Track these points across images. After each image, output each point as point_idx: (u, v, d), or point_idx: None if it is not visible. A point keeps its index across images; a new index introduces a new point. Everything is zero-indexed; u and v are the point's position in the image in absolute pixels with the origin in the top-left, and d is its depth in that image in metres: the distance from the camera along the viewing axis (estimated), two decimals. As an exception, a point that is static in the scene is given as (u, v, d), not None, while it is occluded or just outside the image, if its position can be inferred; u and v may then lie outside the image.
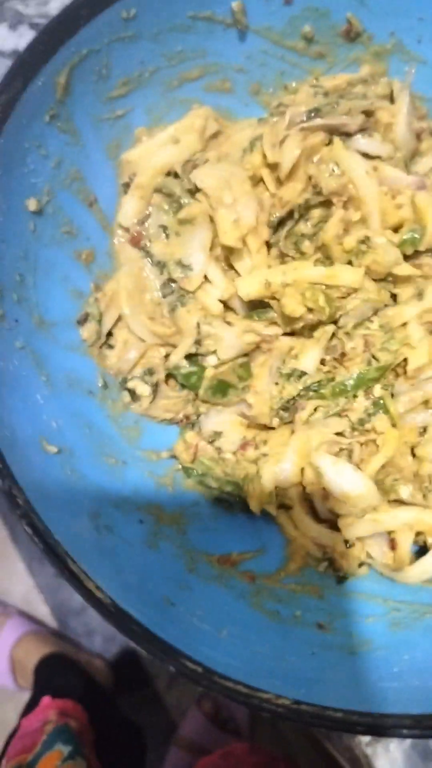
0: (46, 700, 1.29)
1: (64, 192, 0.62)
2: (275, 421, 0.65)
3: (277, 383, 0.64)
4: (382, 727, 0.45)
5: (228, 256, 0.65)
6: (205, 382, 0.64)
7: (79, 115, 0.61)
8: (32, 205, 0.58)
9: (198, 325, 0.63)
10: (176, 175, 0.64)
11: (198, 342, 0.64)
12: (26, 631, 1.76)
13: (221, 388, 0.65)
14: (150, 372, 0.66)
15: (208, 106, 0.67)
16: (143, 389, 0.65)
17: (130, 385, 0.66)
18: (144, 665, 1.87)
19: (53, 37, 0.55)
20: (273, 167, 0.63)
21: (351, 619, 0.59)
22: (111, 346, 0.67)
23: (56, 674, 1.55)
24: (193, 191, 0.63)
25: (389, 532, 0.64)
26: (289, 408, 0.64)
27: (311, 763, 1.29)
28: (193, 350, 0.64)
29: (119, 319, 0.66)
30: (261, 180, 0.65)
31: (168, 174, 0.65)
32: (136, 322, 0.65)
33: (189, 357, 0.65)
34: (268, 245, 0.66)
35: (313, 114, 0.63)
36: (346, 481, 0.60)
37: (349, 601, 0.61)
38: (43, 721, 1.17)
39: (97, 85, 0.61)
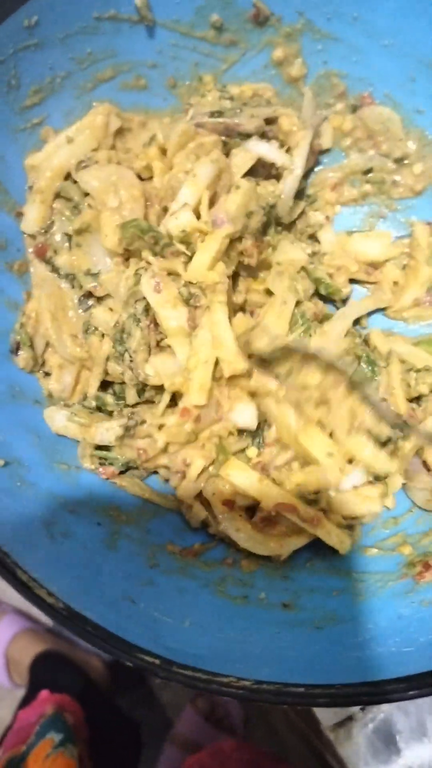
0: (44, 693, 1.29)
1: (-13, 205, 0.62)
2: None
3: None
4: (341, 696, 0.46)
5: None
6: None
7: (-7, 127, 0.61)
8: None
9: (107, 359, 0.63)
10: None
11: (106, 371, 0.64)
12: (22, 628, 1.77)
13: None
14: (86, 397, 0.66)
15: (108, 103, 0.67)
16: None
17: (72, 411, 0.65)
18: (140, 664, 1.87)
19: None
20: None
21: (316, 594, 0.60)
22: (48, 374, 0.66)
23: (52, 672, 1.56)
24: (87, 194, 0.63)
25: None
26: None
27: (302, 761, 1.30)
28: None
29: (48, 343, 0.66)
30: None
31: (67, 178, 0.65)
32: (61, 344, 0.65)
33: (110, 384, 0.67)
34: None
35: (215, 115, 0.64)
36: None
37: (314, 578, 0.62)
38: (39, 715, 1.17)
39: (8, 96, 0.61)
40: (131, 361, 0.61)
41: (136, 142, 0.67)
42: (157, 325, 0.60)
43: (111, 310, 0.62)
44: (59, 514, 0.58)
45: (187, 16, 0.66)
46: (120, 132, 0.68)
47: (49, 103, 0.64)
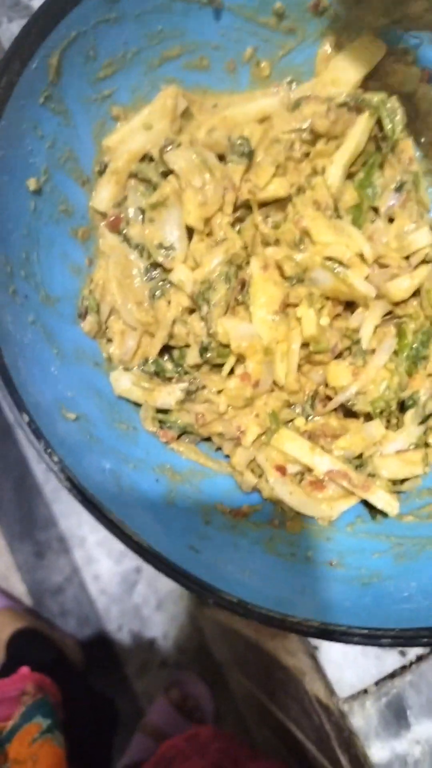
0: (24, 669, 1.29)
1: (59, 171, 0.64)
2: None
3: None
4: (403, 638, 0.50)
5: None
6: None
7: (69, 96, 0.63)
8: (32, 184, 0.60)
9: (174, 322, 0.66)
10: (151, 159, 0.67)
11: (170, 335, 0.67)
12: (1, 605, 1.79)
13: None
14: (146, 362, 0.69)
15: (174, 85, 0.69)
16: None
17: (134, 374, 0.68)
18: (116, 650, 1.90)
19: (46, 20, 0.57)
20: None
21: (359, 555, 0.64)
22: (110, 340, 0.69)
23: (29, 648, 1.57)
24: (167, 173, 0.66)
25: None
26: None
27: (274, 755, 1.33)
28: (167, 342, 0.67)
29: (112, 309, 0.68)
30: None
31: (143, 159, 0.67)
32: (126, 310, 0.67)
33: (169, 350, 0.69)
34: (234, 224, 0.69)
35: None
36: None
37: (355, 541, 0.66)
38: (20, 691, 1.17)
39: (85, 66, 0.63)
40: (208, 312, 0.64)
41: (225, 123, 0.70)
42: (243, 287, 0.63)
43: (193, 269, 0.65)
44: (123, 469, 0.60)
45: (253, 1, 0.69)
46: (184, 114, 0.70)
47: (119, 77, 0.67)
